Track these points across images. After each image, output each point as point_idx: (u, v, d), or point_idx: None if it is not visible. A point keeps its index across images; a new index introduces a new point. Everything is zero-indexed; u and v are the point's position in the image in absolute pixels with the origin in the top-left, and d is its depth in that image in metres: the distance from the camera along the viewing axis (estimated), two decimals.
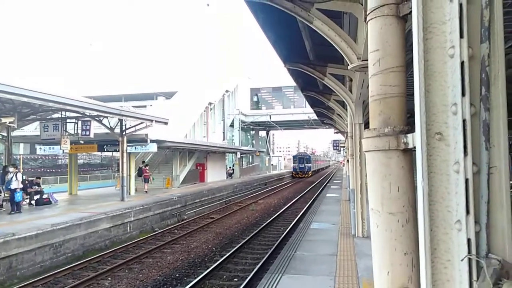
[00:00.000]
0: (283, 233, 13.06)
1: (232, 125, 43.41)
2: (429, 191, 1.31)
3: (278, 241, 11.91)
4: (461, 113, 1.26)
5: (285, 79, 42.00)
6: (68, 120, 15.43)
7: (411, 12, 1.38)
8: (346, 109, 11.64)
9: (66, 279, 9.11)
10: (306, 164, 49.69)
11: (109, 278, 9.18)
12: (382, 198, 1.52)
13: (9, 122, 11.14)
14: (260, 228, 14.40)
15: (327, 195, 21.93)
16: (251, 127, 50.50)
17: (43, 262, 9.95)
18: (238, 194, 27.01)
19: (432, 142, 1.31)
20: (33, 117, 15.30)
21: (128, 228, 13.72)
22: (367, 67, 1.80)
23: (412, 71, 1.36)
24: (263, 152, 52.20)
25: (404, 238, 1.47)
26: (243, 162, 44.88)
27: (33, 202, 14.69)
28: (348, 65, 5.91)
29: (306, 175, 49.13)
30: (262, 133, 57.27)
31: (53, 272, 9.29)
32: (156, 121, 16.13)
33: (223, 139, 39.36)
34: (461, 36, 1.27)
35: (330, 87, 9.77)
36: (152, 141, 18.07)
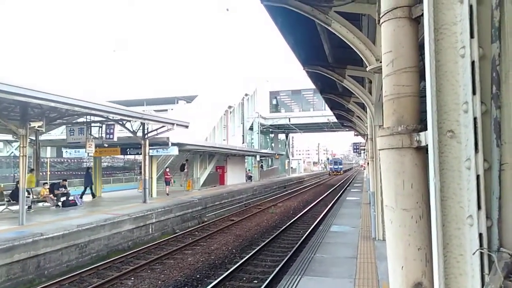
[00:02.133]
0: (303, 236, 13.03)
1: (251, 128, 43.55)
2: (441, 187, 1.35)
3: (298, 243, 11.90)
4: (472, 111, 1.30)
5: (304, 82, 41.89)
6: (92, 124, 15.90)
7: (423, 14, 1.43)
8: (366, 111, 11.56)
9: (91, 278, 9.39)
10: (339, 166, 71.57)
11: (132, 278, 9.40)
12: (396, 195, 1.56)
13: (38, 126, 11.57)
14: (279, 230, 14.42)
15: (347, 198, 21.74)
16: (270, 130, 50.54)
17: (69, 261, 10.28)
18: (258, 197, 27.08)
19: (444, 139, 1.35)
20: (59, 121, 15.85)
21: (150, 229, 14.00)
22: None
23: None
24: (282, 155, 52.15)
25: (417, 233, 1.51)
26: (263, 165, 44.97)
27: (59, 203, 15.20)
28: (367, 67, 5.91)
29: (339, 173, 69.25)
30: (282, 136, 57.22)
31: (79, 272, 9.58)
32: (177, 124, 16.42)
33: (243, 142, 39.54)
34: (472, 36, 1.31)
35: (350, 89, 9.75)
36: (173, 144, 18.38)
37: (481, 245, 1.27)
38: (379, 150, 1.67)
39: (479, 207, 1.28)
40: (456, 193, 1.33)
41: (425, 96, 1.43)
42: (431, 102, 1.36)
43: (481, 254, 1.27)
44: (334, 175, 67.46)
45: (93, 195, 19.02)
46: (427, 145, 1.43)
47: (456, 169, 1.33)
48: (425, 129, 1.45)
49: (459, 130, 1.32)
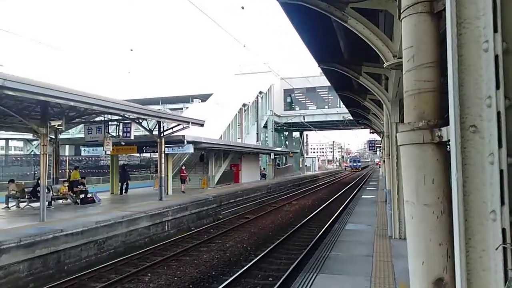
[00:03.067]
0: (318, 234, 12.99)
1: (265, 126, 43.59)
2: (464, 182, 1.34)
3: (313, 241, 11.87)
4: (496, 105, 1.29)
5: (319, 79, 41.65)
6: (110, 123, 16.18)
7: (445, 8, 1.42)
8: (382, 109, 11.44)
9: (110, 274, 9.55)
10: (357, 163, 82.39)
11: (149, 274, 9.54)
12: (417, 190, 1.56)
13: (58, 125, 11.84)
14: (294, 228, 14.41)
15: (363, 196, 21.56)
16: (284, 128, 50.46)
17: (88, 257, 10.49)
18: (272, 195, 27.10)
19: (466, 134, 1.34)
20: (78, 120, 16.18)
21: (166, 226, 14.17)
22: None
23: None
24: (296, 153, 52.01)
25: (439, 229, 1.51)
26: (279, 163, 44.94)
27: (78, 200, 15.52)
28: (384, 63, 5.85)
29: (358, 170, 77.84)
30: (296, 134, 57.05)
31: (98, 267, 9.77)
32: (192, 123, 16.56)
33: (257, 140, 39.61)
34: (495, 30, 1.30)
35: (366, 86, 9.67)
36: (188, 142, 18.54)
37: (504, 240, 1.26)
38: (400, 145, 1.67)
39: (502, 202, 1.27)
40: (479, 188, 1.32)
41: (445, 91, 1.42)
42: (453, 97, 1.35)
43: (504, 249, 1.26)
44: (353, 171, 75.48)
45: (121, 191, 20.14)
46: (448, 140, 1.43)
47: (479, 164, 1.32)
48: (447, 124, 1.45)
49: (482, 125, 1.32)
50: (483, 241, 1.31)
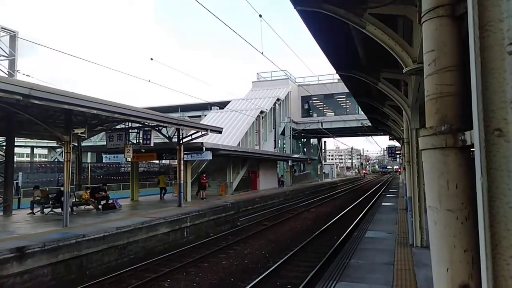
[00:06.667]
0: (337, 242, 12.83)
1: (283, 133, 43.50)
2: (489, 187, 1.31)
3: (332, 249, 11.73)
4: None
5: (337, 85, 41.40)
6: (130, 130, 16.50)
7: (466, 11, 1.41)
8: (402, 115, 11.26)
9: (130, 279, 9.66)
10: (385, 169, 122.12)
11: (168, 280, 9.61)
12: (439, 196, 1.54)
13: (81, 133, 12.15)
14: (313, 236, 14.27)
15: (383, 203, 21.19)
16: (302, 134, 50.21)
17: (109, 262, 10.66)
18: (290, 202, 26.95)
19: (491, 138, 1.32)
20: (100, 128, 16.57)
21: (185, 233, 14.27)
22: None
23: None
24: (314, 159, 51.64)
25: (463, 235, 1.48)
26: (296, 169, 44.71)
27: (100, 206, 15.83)
28: (403, 69, 5.79)
29: (386, 173, 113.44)
30: (314, 141, 56.67)
31: (118, 272, 9.91)
32: (211, 130, 16.71)
33: (275, 147, 39.55)
34: None
35: (384, 92, 9.56)
36: (207, 149, 18.70)
37: None
38: (421, 150, 1.65)
39: None
40: (505, 194, 1.29)
41: (468, 95, 1.40)
42: (477, 100, 1.33)
43: None
44: (382, 174, 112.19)
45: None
46: (472, 144, 1.40)
47: (505, 169, 1.29)
48: (470, 128, 1.42)
49: (507, 129, 1.29)
50: (510, 248, 1.27)
